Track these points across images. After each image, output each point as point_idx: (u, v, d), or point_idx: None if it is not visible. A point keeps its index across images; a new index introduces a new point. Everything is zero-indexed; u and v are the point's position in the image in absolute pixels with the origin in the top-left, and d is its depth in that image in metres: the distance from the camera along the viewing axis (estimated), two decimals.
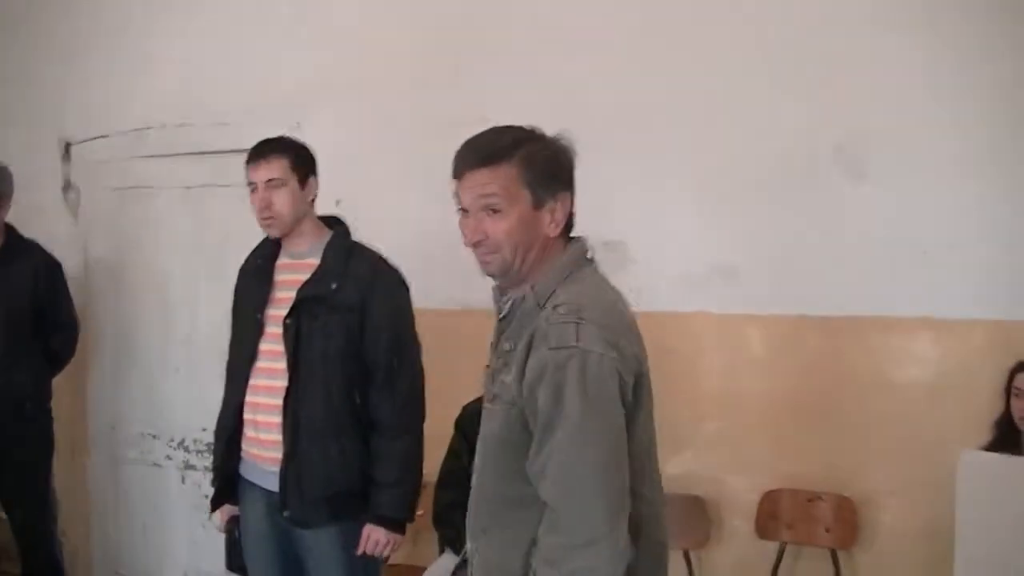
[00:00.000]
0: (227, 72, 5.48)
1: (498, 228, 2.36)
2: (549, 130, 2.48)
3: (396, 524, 3.55)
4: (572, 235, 2.51)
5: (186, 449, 5.84)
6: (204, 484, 5.65)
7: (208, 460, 5.54)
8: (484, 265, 2.44)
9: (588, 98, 4.64)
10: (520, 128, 2.46)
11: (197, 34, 5.61)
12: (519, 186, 2.36)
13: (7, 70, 6.21)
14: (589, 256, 2.51)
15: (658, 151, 4.59)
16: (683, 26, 4.59)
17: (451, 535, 4.36)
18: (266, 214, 3.57)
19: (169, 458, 5.91)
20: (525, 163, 2.37)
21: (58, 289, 5.22)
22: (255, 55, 5.41)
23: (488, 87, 4.81)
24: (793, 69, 4.40)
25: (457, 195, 2.42)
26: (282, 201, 3.55)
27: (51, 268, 5.20)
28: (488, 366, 2.61)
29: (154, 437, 5.95)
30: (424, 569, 4.54)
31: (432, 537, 4.67)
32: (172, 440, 5.89)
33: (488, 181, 2.36)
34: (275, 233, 3.63)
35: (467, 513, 2.58)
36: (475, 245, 2.41)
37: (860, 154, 4.31)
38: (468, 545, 2.61)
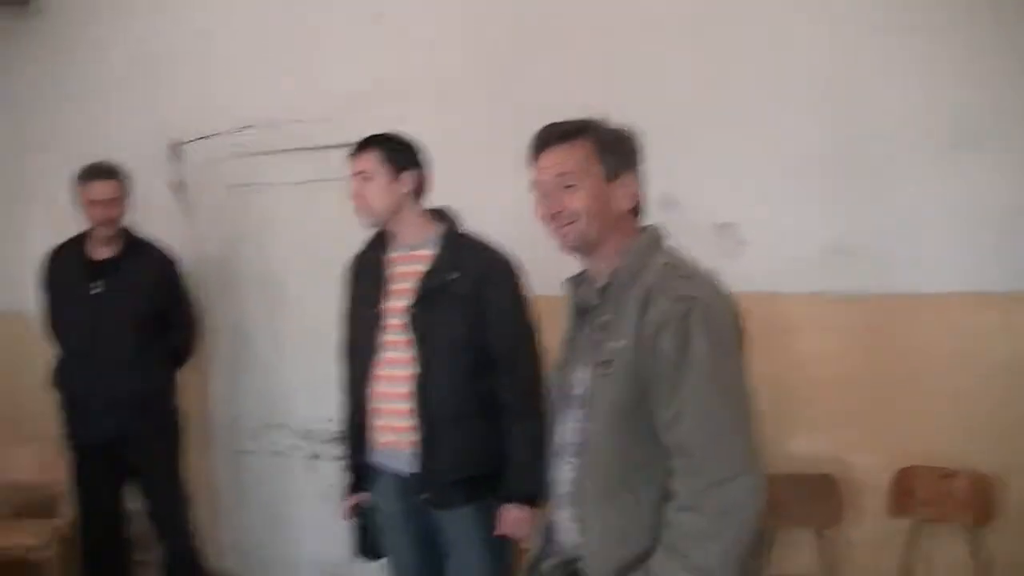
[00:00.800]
0: (332, 67, 5.57)
1: (574, 199, 2.55)
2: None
3: (531, 502, 3.65)
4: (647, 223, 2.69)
5: (312, 439, 5.97)
6: (331, 473, 5.74)
7: (334, 450, 5.66)
8: (562, 238, 2.61)
9: (695, 79, 4.65)
10: (589, 117, 2.65)
11: (302, 32, 5.69)
12: (592, 161, 2.56)
13: (115, 73, 6.38)
14: (666, 242, 2.65)
15: (768, 132, 4.54)
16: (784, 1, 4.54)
17: None
18: (356, 204, 3.73)
19: (295, 448, 6.05)
20: (596, 140, 2.58)
21: (178, 287, 5.42)
22: (359, 50, 5.48)
23: (584, 75, 4.84)
24: (902, 43, 4.31)
25: (534, 178, 2.63)
26: (371, 193, 3.69)
27: (171, 266, 5.38)
28: (559, 368, 2.77)
29: (279, 428, 6.10)
30: None
31: None
32: (297, 431, 6.02)
33: (564, 159, 2.57)
34: (368, 224, 3.79)
35: (573, 483, 2.65)
36: (552, 218, 2.59)
37: (973, 127, 4.20)
38: (567, 513, 2.68)
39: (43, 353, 5.71)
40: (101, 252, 5.20)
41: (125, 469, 5.30)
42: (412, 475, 3.67)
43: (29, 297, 6.19)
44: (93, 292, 5.10)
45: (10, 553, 4.73)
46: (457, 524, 3.69)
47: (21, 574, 5.07)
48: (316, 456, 5.96)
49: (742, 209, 4.57)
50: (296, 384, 6.00)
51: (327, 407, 5.50)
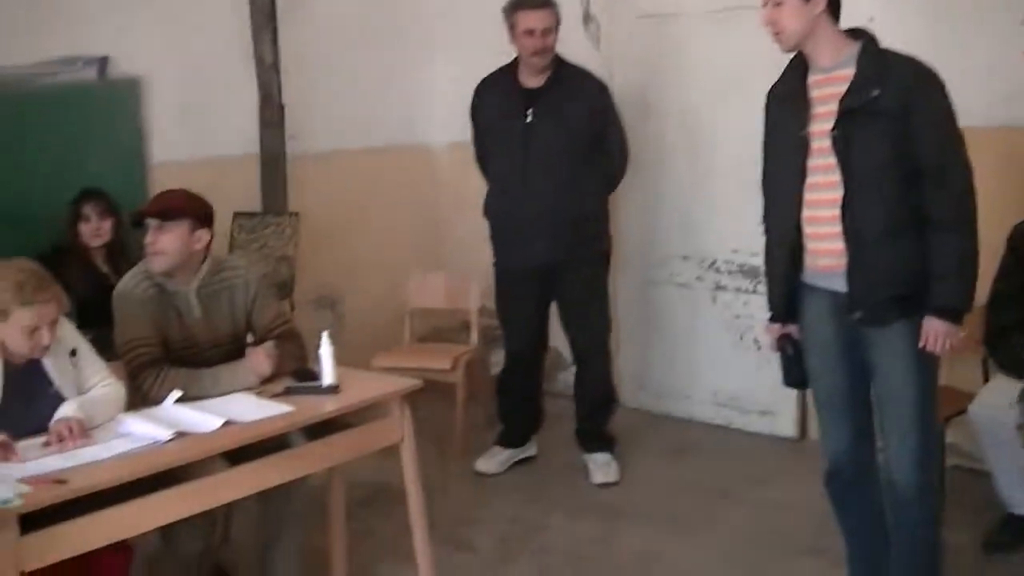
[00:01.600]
0: None
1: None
2: None
3: (954, 315, 3.68)
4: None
5: (717, 270, 6.19)
6: (735, 305, 6.04)
7: (740, 281, 5.99)
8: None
9: None
10: None
11: None
12: None
13: None
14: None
15: None
16: None
17: (1007, 358, 4.50)
18: (771, 31, 3.75)
19: (700, 279, 6.29)
20: None
21: (609, 113, 5.57)
22: None
23: None
24: None
25: None
26: (784, 17, 3.70)
27: (602, 92, 5.56)
28: None
29: (684, 259, 6.35)
30: (967, 394, 4.66)
31: (972, 361, 4.75)
32: (703, 261, 6.25)
33: None
34: (785, 50, 3.81)
35: None
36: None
37: None
38: None
39: (452, 184, 6.13)
40: (532, 81, 5.44)
41: (552, 294, 5.64)
42: (844, 294, 3.78)
43: (435, 131, 6.66)
44: (527, 121, 5.38)
45: (422, 375, 5.05)
46: (887, 340, 3.77)
47: (431, 395, 5.43)
48: (720, 287, 6.18)
49: None
50: (703, 216, 6.19)
51: (734, 239, 5.73)
